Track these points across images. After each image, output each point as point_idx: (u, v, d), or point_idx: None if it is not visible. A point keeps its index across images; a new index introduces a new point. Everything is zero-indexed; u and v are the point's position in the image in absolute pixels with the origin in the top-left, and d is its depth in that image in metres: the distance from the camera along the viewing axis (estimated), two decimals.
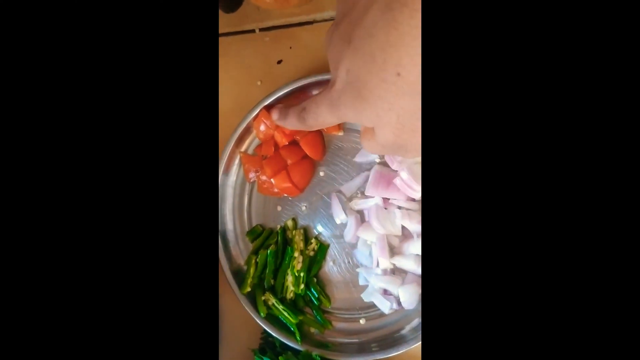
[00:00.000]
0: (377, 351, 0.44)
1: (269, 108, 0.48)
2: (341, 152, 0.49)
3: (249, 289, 0.48)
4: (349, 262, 0.49)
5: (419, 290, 0.44)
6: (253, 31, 0.52)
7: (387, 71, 0.21)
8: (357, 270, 0.48)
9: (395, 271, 0.47)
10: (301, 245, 0.48)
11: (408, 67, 0.21)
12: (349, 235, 0.48)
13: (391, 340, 0.45)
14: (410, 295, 0.44)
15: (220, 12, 0.50)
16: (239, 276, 0.49)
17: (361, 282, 0.48)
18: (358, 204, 0.48)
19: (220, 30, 0.53)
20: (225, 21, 0.53)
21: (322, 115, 0.27)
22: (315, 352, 0.44)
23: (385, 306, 0.45)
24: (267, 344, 0.49)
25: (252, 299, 0.48)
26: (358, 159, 0.48)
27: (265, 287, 0.48)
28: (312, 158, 0.48)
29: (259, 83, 0.52)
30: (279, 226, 0.49)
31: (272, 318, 0.47)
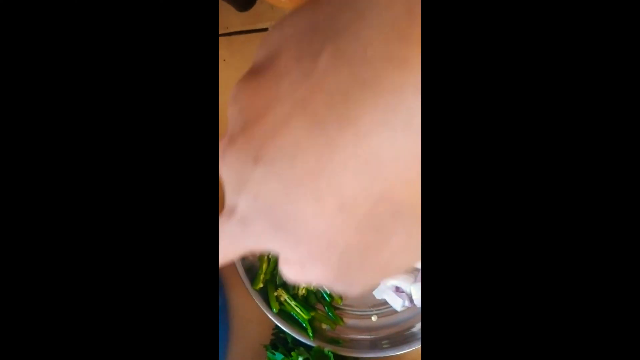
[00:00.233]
0: (389, 348, 0.45)
1: None
2: None
3: (261, 285, 0.48)
4: None
5: None
6: (266, 29, 0.53)
7: (324, 202, 0.16)
8: None
9: (408, 268, 0.47)
10: None
11: (355, 198, 0.15)
12: None
13: (403, 337, 0.45)
14: None
15: (234, 11, 0.51)
16: (252, 272, 0.49)
17: None
18: None
19: (234, 29, 0.54)
20: (239, 20, 0.53)
21: (226, 251, 0.21)
22: (327, 347, 0.45)
23: (397, 303, 0.45)
24: (279, 340, 0.49)
25: (265, 294, 0.48)
26: None
27: (278, 283, 0.49)
28: None
29: None
30: None
31: (284, 314, 0.48)
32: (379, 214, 0.15)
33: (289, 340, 0.48)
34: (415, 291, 0.44)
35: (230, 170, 0.18)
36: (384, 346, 0.45)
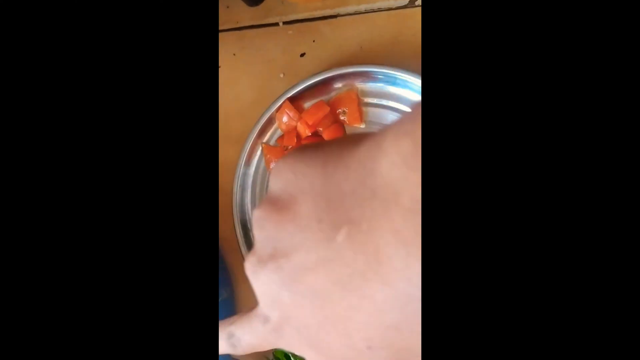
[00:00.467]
0: None
1: (292, 99, 0.49)
2: None
3: None
4: None
5: None
6: (277, 24, 0.53)
7: (353, 340, 0.19)
8: None
9: None
10: None
11: (381, 343, 0.18)
12: None
13: None
14: None
15: (244, 6, 0.51)
16: None
17: None
18: None
19: (244, 24, 0.54)
20: (249, 14, 0.54)
21: (255, 344, 0.23)
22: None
23: None
24: None
25: None
26: None
27: None
28: None
29: (281, 76, 0.53)
30: None
31: None
32: (400, 358, 0.19)
33: None
34: None
35: (263, 287, 0.21)
36: None
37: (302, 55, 0.52)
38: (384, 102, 0.48)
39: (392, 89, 0.47)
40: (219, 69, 0.55)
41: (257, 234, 0.21)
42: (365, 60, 0.49)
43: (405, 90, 0.47)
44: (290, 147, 0.49)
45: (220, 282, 0.50)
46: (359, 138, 0.19)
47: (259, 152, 0.51)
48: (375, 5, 0.50)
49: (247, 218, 0.51)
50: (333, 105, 0.49)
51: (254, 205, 0.51)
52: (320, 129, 0.49)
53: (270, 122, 0.50)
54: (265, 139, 0.51)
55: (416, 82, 0.45)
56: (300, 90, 0.48)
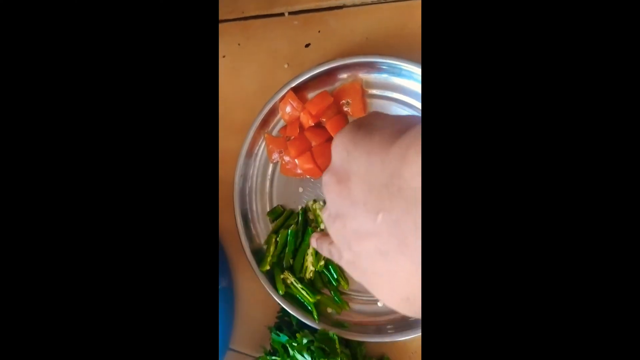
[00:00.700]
0: (393, 333, 0.45)
1: (296, 90, 0.48)
2: None
3: (268, 267, 0.48)
4: None
5: None
6: (282, 14, 0.53)
7: (395, 292, 0.25)
8: None
9: None
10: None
11: (413, 297, 0.24)
12: None
13: (407, 323, 0.45)
14: None
15: None
16: (259, 255, 0.49)
17: None
18: None
19: (250, 14, 0.54)
20: (255, 4, 0.53)
21: (341, 265, 0.30)
22: (332, 331, 0.45)
23: None
24: (283, 323, 0.50)
25: (271, 277, 0.48)
26: None
27: (284, 266, 0.49)
28: None
29: (286, 66, 0.52)
30: (300, 207, 0.50)
31: (290, 297, 0.48)
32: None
33: (294, 323, 0.48)
34: None
35: (334, 236, 0.28)
36: (389, 331, 0.45)
37: (307, 45, 0.52)
38: (388, 93, 0.48)
39: (396, 80, 0.47)
40: (224, 58, 0.55)
41: (326, 195, 0.28)
42: (371, 52, 0.48)
43: (410, 81, 0.46)
44: (292, 137, 0.49)
45: (221, 270, 0.50)
46: (398, 130, 0.24)
47: (261, 143, 0.51)
48: None
49: (248, 208, 0.51)
50: (337, 96, 0.49)
51: (255, 196, 0.51)
52: (324, 119, 0.49)
53: (273, 112, 0.50)
54: (268, 129, 0.51)
55: (421, 73, 0.45)
56: (304, 80, 0.48)
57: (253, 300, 0.53)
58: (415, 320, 0.45)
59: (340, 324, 0.46)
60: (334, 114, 0.48)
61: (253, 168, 0.51)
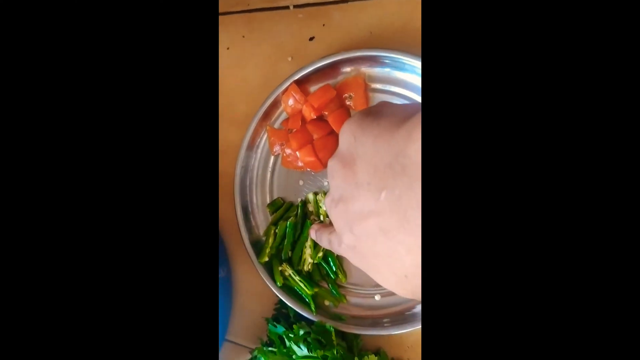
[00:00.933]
0: (389, 326, 0.45)
1: (299, 83, 0.48)
2: None
3: (266, 259, 0.48)
4: None
5: None
6: (287, 8, 0.53)
7: (395, 269, 0.25)
8: None
9: None
10: (325, 209, 0.49)
11: (414, 273, 0.24)
12: None
13: (404, 317, 0.45)
14: None
15: None
16: (258, 247, 0.49)
17: None
18: None
19: (255, 6, 0.54)
20: None
21: (340, 253, 0.31)
22: (328, 323, 0.45)
23: None
24: (281, 315, 0.50)
25: (269, 268, 0.48)
26: None
27: (283, 258, 0.49)
28: (338, 134, 0.49)
29: (289, 59, 0.53)
30: (299, 199, 0.50)
31: (288, 289, 0.48)
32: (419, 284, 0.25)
33: (291, 315, 0.48)
34: None
35: (335, 220, 0.29)
36: (385, 325, 0.45)
37: (311, 39, 0.52)
38: (391, 88, 0.48)
39: (399, 75, 0.47)
40: (228, 50, 0.55)
41: (330, 180, 0.29)
42: (375, 46, 0.49)
43: (412, 75, 0.46)
44: (294, 130, 0.49)
45: (220, 260, 0.50)
46: (405, 116, 0.24)
47: (263, 135, 0.51)
48: None
49: (248, 200, 0.51)
50: (339, 90, 0.49)
51: (256, 189, 0.51)
52: (326, 112, 0.49)
53: (275, 105, 0.50)
54: (270, 122, 0.51)
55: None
56: (307, 73, 0.48)
57: (251, 292, 0.53)
58: (412, 314, 0.46)
59: (337, 317, 0.47)
60: (336, 108, 0.48)
61: (254, 160, 0.51)
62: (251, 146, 0.51)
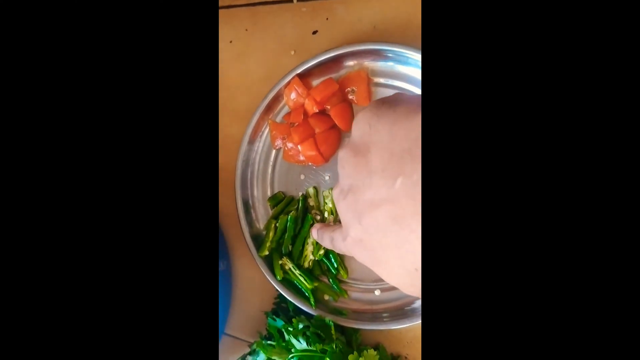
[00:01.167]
0: (389, 321, 0.45)
1: (301, 76, 0.48)
2: None
3: (266, 253, 0.48)
4: None
5: None
6: (291, 1, 0.53)
7: (404, 262, 0.24)
8: None
9: None
10: (330, 206, 0.49)
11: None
12: None
13: (403, 312, 0.45)
14: None
15: None
16: (258, 240, 0.49)
17: None
18: None
19: (258, 0, 0.54)
20: None
21: (344, 250, 0.30)
22: (328, 317, 0.45)
23: None
24: (280, 309, 0.50)
25: (270, 262, 0.48)
26: None
27: (283, 252, 0.49)
28: (340, 128, 0.49)
29: (292, 53, 0.52)
30: (300, 193, 0.50)
31: (288, 283, 0.48)
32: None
33: (290, 309, 0.48)
34: None
35: (343, 213, 0.28)
36: (385, 319, 0.45)
37: (315, 33, 0.52)
38: (394, 82, 0.48)
39: (402, 69, 0.47)
40: (231, 43, 0.55)
41: (340, 170, 0.28)
42: (378, 41, 0.48)
43: (416, 69, 0.46)
44: (296, 124, 0.49)
45: (220, 253, 0.50)
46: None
47: (264, 129, 0.51)
48: None
49: (249, 193, 0.51)
50: (342, 84, 0.49)
51: (256, 182, 0.51)
52: (328, 106, 0.48)
53: (277, 98, 0.50)
54: (272, 116, 0.51)
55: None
56: (310, 66, 0.48)
57: (250, 286, 0.53)
58: (412, 309, 0.45)
59: (336, 311, 0.46)
60: (338, 102, 0.48)
61: (256, 154, 0.51)
62: (253, 140, 0.50)
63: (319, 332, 0.43)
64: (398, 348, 0.48)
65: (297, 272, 0.47)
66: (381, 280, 0.48)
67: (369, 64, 0.48)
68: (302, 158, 0.49)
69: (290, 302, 0.47)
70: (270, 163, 0.51)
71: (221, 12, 0.55)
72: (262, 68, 0.53)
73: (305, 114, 0.49)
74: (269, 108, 0.50)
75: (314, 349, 0.42)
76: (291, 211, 0.49)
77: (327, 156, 0.49)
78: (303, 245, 0.49)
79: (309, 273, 0.48)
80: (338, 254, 0.48)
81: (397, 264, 0.25)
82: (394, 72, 0.47)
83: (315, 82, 0.50)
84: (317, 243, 0.48)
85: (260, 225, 0.51)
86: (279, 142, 0.51)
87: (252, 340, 0.51)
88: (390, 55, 0.46)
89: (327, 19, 0.52)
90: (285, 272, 0.48)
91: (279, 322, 0.46)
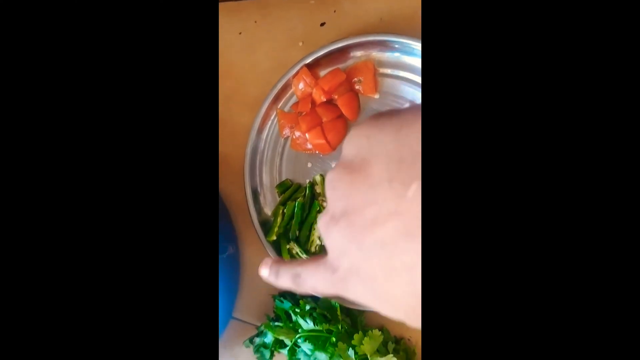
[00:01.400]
0: None
1: (309, 67, 0.50)
2: None
3: (274, 237, 0.50)
4: None
5: None
6: None
7: (416, 287, 0.21)
8: None
9: None
10: None
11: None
12: None
13: None
14: None
15: None
16: (266, 226, 0.51)
17: None
18: None
19: None
20: None
21: (319, 288, 0.26)
22: (334, 299, 0.46)
23: None
24: (287, 292, 0.51)
25: (277, 247, 0.50)
26: None
27: (290, 237, 0.50)
28: (347, 117, 0.50)
29: (300, 44, 0.54)
30: (307, 180, 0.51)
31: None
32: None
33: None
34: None
35: (334, 242, 0.24)
36: None
37: (322, 24, 0.53)
38: (400, 73, 0.49)
39: (408, 59, 0.48)
40: (240, 35, 0.56)
41: (330, 194, 0.24)
42: (385, 32, 0.50)
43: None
44: (304, 113, 0.51)
45: (228, 237, 0.51)
46: None
47: (273, 118, 0.52)
48: None
49: (257, 181, 0.52)
50: (349, 74, 0.50)
51: (265, 169, 0.52)
52: (335, 96, 0.50)
53: (285, 88, 0.51)
54: (280, 105, 0.52)
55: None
56: (317, 57, 0.49)
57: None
58: None
59: None
60: (345, 91, 0.50)
61: (264, 142, 0.53)
62: (261, 129, 0.52)
63: (325, 313, 0.45)
64: (401, 331, 0.49)
65: (304, 256, 0.49)
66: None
67: (376, 54, 0.49)
68: (309, 146, 0.51)
69: None
70: (278, 151, 0.53)
71: (230, 4, 0.56)
72: (271, 59, 0.55)
73: (313, 103, 0.51)
74: (277, 97, 0.52)
75: (320, 328, 0.44)
76: (299, 198, 0.51)
77: (334, 144, 0.50)
78: (310, 231, 0.50)
79: None
80: None
81: (406, 291, 0.21)
82: (401, 62, 0.49)
83: (322, 73, 0.51)
84: None
85: (269, 211, 0.52)
86: (287, 131, 0.52)
87: (259, 324, 0.53)
88: (396, 46, 0.48)
89: (334, 11, 0.53)
90: (292, 256, 0.49)
91: (287, 304, 0.47)
